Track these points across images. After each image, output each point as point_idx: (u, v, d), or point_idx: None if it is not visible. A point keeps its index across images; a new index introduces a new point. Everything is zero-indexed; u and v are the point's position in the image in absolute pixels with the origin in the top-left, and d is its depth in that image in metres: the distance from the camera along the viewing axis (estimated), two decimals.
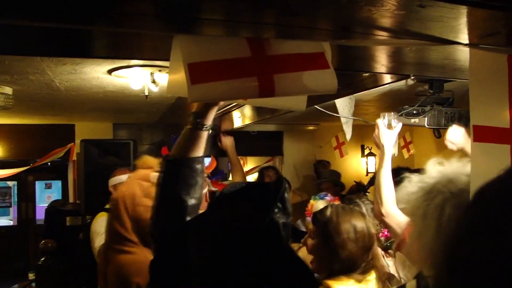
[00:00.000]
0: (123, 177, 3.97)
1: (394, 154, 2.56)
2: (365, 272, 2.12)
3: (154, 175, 2.39)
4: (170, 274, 1.37)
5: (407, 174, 1.62)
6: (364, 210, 2.64)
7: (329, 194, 4.74)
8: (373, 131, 2.58)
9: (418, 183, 1.56)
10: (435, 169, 1.59)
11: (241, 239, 1.20)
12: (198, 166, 1.54)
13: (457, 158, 1.63)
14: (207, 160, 2.66)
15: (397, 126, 2.56)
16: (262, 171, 6.43)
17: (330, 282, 2.07)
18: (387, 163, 2.44)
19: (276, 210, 1.29)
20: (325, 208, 2.26)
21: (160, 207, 1.54)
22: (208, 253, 1.21)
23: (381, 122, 2.54)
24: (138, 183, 2.42)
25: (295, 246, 3.31)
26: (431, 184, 1.53)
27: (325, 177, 6.03)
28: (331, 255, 2.11)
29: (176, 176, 1.51)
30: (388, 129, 2.53)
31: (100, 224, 3.89)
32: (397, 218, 2.24)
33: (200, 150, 1.56)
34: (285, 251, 1.26)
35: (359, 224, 2.16)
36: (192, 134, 1.55)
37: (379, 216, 2.30)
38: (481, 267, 0.62)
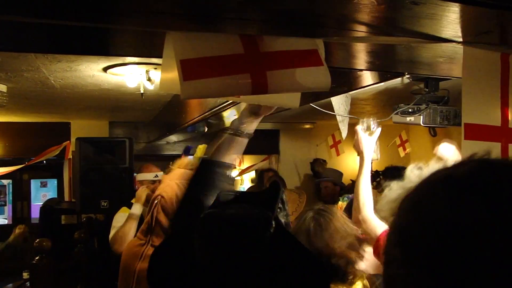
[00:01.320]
0: (149, 175, 4.14)
1: (377, 159, 2.58)
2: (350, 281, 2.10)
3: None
4: (170, 267, 1.37)
5: (386, 183, 1.63)
6: None
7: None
8: None
9: (397, 190, 1.57)
10: (414, 174, 1.60)
11: (251, 238, 1.20)
12: (228, 172, 1.58)
13: (435, 161, 1.64)
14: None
15: (376, 131, 2.54)
16: (262, 173, 6.41)
17: None
18: (367, 170, 2.45)
19: (278, 210, 1.31)
20: (305, 216, 2.22)
21: (184, 202, 1.60)
22: (217, 252, 1.21)
23: (360, 129, 2.53)
24: (179, 183, 2.41)
25: None
26: (408, 189, 1.53)
27: (325, 176, 5.96)
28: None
29: (206, 176, 1.55)
30: (368, 135, 2.51)
31: (118, 219, 3.89)
32: (374, 223, 2.27)
33: (235, 156, 1.61)
34: (295, 245, 1.28)
35: (342, 228, 2.14)
36: (233, 140, 1.59)
37: (357, 222, 2.31)
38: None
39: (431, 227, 0.60)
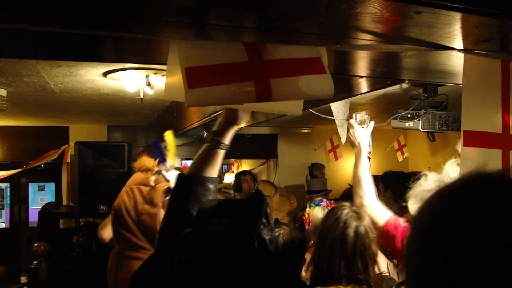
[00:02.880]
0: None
1: (370, 152, 2.64)
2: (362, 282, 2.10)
3: (153, 179, 2.38)
4: (153, 285, 1.36)
5: (424, 172, 1.70)
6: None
7: (324, 200, 4.74)
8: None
9: (435, 182, 1.63)
10: (453, 169, 1.65)
11: (233, 259, 1.18)
12: (211, 186, 1.55)
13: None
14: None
15: (370, 124, 2.65)
16: (238, 176, 6.35)
17: None
18: (364, 159, 2.52)
19: (262, 226, 1.30)
20: (332, 213, 2.25)
21: (169, 219, 1.56)
22: (199, 272, 1.19)
23: (354, 122, 2.63)
24: (138, 189, 2.39)
25: None
26: (446, 182, 1.58)
27: (315, 190, 5.84)
28: (331, 262, 2.10)
29: (189, 192, 1.52)
30: (361, 127, 2.62)
31: None
32: (378, 210, 2.35)
33: (215, 169, 1.58)
34: (277, 266, 1.26)
35: (361, 228, 2.16)
36: (209, 152, 1.57)
37: (360, 208, 2.35)
38: None
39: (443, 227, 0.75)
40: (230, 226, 1.25)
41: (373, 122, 2.67)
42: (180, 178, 1.59)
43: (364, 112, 2.69)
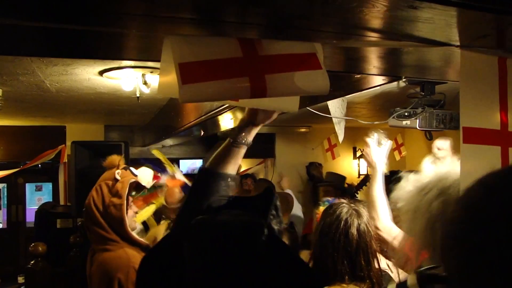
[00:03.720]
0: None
1: (384, 172, 2.61)
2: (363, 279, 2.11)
3: (118, 172, 2.60)
4: (159, 275, 1.35)
5: (403, 174, 1.71)
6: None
7: (336, 199, 4.74)
8: (366, 134, 2.65)
9: (414, 182, 1.65)
10: (430, 168, 1.67)
11: (243, 247, 1.18)
12: (232, 183, 1.58)
13: (433, 157, 1.73)
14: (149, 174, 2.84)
15: (387, 144, 2.63)
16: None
17: None
18: (379, 179, 2.50)
19: (271, 217, 1.30)
20: (332, 210, 2.25)
21: (185, 210, 1.57)
22: (207, 259, 1.18)
23: (371, 141, 2.61)
24: (105, 184, 2.58)
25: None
26: (424, 182, 1.63)
27: (327, 181, 5.87)
28: (335, 259, 2.11)
29: (210, 187, 1.54)
30: (378, 147, 2.60)
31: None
32: (392, 231, 2.30)
33: (236, 166, 1.61)
34: (287, 254, 1.25)
35: (362, 226, 2.17)
36: (231, 149, 1.59)
37: (375, 231, 2.34)
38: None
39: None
40: (241, 216, 1.26)
41: (390, 142, 2.64)
42: (202, 172, 1.62)
43: (381, 131, 2.66)
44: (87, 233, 2.66)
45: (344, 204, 2.23)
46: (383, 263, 2.39)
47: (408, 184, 1.67)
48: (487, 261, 0.66)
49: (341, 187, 5.82)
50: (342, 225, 2.14)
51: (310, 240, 4.78)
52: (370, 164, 2.62)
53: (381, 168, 2.55)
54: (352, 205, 2.25)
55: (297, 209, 5.16)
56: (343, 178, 6.07)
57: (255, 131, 1.63)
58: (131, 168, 2.76)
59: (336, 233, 2.13)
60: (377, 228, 2.32)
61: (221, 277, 1.16)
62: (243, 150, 1.61)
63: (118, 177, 2.61)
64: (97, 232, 2.52)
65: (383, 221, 2.34)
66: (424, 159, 1.76)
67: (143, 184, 2.83)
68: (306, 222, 5.44)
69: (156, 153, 2.96)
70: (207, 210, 1.39)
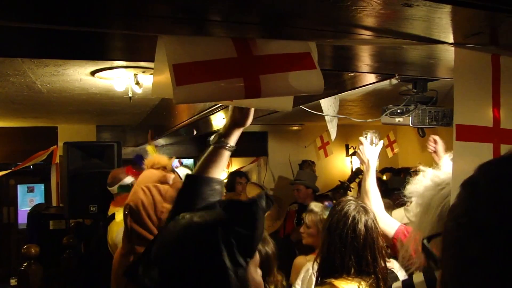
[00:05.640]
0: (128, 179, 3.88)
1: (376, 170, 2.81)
2: (369, 273, 2.15)
3: (171, 177, 2.36)
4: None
5: (421, 168, 1.76)
6: None
7: (332, 202, 4.76)
8: (358, 132, 2.75)
9: (433, 176, 1.69)
10: (449, 164, 1.70)
11: (190, 246, 1.26)
12: (218, 187, 1.58)
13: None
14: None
15: (379, 143, 2.81)
16: (234, 177, 6.38)
17: (336, 282, 2.09)
18: (372, 175, 2.65)
19: (238, 227, 1.27)
20: (340, 207, 2.28)
21: (174, 216, 1.56)
22: (162, 255, 1.30)
23: (364, 140, 2.78)
24: (155, 187, 2.34)
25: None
26: (442, 178, 1.67)
27: (298, 179, 5.85)
28: (343, 255, 2.13)
29: (195, 192, 1.55)
30: (371, 145, 2.78)
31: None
32: (388, 222, 2.42)
33: (221, 169, 1.62)
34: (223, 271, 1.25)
35: (370, 222, 2.22)
36: (215, 153, 1.61)
37: None
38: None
39: None
40: (202, 217, 1.30)
41: (382, 141, 2.84)
42: (187, 178, 1.62)
43: (374, 131, 2.83)
44: (126, 233, 2.41)
45: (352, 201, 2.29)
46: (395, 264, 2.45)
47: (426, 179, 1.70)
48: (480, 272, 0.64)
49: (312, 186, 5.77)
50: (350, 221, 2.19)
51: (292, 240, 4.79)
52: (363, 162, 2.77)
53: (374, 165, 2.70)
54: (359, 202, 2.29)
55: None
56: (314, 177, 6.01)
57: (237, 134, 1.64)
58: (178, 171, 2.62)
59: (344, 228, 2.18)
60: None
61: (169, 276, 1.26)
62: (227, 154, 1.62)
63: (171, 181, 2.37)
64: (140, 234, 2.30)
65: (378, 211, 2.42)
66: (444, 155, 1.82)
67: None
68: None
69: (150, 150, 2.92)
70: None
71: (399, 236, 2.30)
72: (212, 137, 1.64)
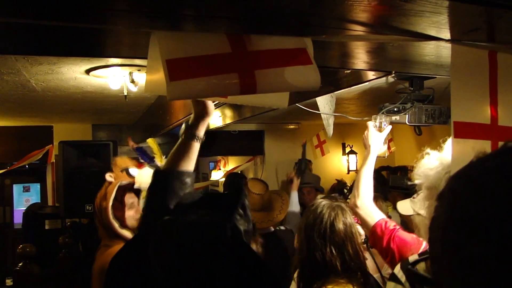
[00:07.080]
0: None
1: (384, 157, 2.72)
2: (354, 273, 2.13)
3: (111, 174, 2.64)
4: (127, 276, 1.35)
5: (426, 151, 1.75)
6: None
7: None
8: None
9: (438, 159, 1.68)
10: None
11: (205, 248, 1.19)
12: (188, 180, 1.55)
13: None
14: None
15: (386, 128, 2.69)
16: (232, 177, 6.38)
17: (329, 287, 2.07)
18: (371, 162, 2.55)
19: (238, 217, 1.30)
20: (314, 207, 2.27)
21: (147, 213, 1.58)
22: (172, 262, 1.20)
23: (371, 124, 2.67)
24: (104, 186, 2.64)
25: None
26: (447, 160, 1.65)
27: (308, 182, 5.90)
28: (323, 250, 2.12)
29: (165, 187, 1.52)
30: (378, 131, 2.66)
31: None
32: (371, 210, 2.34)
33: (191, 162, 1.59)
34: (250, 256, 1.27)
35: (348, 218, 2.23)
36: (184, 145, 1.59)
37: (353, 208, 2.37)
38: None
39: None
40: (205, 216, 1.26)
41: (390, 127, 2.72)
42: (156, 173, 1.59)
43: (384, 115, 2.73)
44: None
45: (325, 201, 2.30)
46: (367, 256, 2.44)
47: (431, 161, 1.69)
48: (476, 270, 0.63)
49: (320, 188, 5.87)
50: (326, 217, 2.19)
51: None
52: (365, 147, 2.67)
53: (375, 152, 2.60)
54: (334, 201, 2.30)
55: (293, 206, 5.16)
56: (319, 178, 6.13)
57: (204, 125, 1.62)
58: (130, 170, 2.71)
59: (321, 225, 2.17)
60: (355, 205, 2.36)
61: (185, 279, 1.17)
62: (196, 145, 1.60)
63: (110, 179, 2.61)
64: (100, 229, 2.60)
65: (363, 199, 2.37)
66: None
67: (136, 186, 2.72)
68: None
69: (150, 142, 2.93)
70: (175, 209, 1.40)
71: (376, 229, 2.25)
72: (181, 129, 1.63)
